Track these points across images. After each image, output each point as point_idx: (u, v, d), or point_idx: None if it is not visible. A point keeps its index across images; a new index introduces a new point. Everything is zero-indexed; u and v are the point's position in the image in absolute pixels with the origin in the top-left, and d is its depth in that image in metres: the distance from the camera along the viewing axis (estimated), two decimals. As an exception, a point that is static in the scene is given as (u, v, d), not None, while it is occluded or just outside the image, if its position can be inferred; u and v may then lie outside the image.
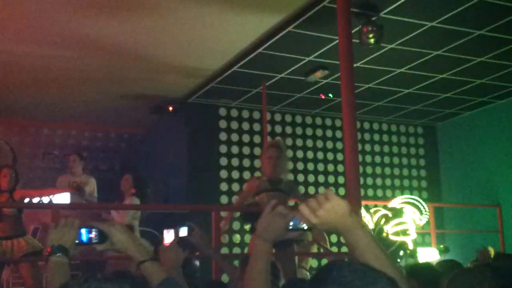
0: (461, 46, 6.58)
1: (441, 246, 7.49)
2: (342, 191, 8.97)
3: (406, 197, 7.40)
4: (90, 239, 2.16)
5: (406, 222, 6.62)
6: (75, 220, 2.18)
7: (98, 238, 2.14)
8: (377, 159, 9.55)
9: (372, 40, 5.50)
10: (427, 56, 6.87)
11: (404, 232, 6.47)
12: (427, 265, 3.72)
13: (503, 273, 3.57)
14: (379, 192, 9.44)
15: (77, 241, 2.16)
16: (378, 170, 9.51)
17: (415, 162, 9.80)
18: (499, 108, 8.72)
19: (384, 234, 6.50)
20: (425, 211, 6.97)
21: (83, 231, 2.16)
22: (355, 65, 6.12)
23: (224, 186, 8.48)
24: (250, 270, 1.87)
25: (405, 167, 9.71)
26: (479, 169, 8.97)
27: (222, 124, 8.63)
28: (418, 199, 7.30)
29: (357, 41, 5.70)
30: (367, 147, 9.48)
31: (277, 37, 6.23)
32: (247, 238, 7.91)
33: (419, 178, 9.77)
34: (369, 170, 9.42)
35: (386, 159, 9.61)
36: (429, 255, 7.08)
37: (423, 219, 7.05)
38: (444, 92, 8.23)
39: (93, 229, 2.14)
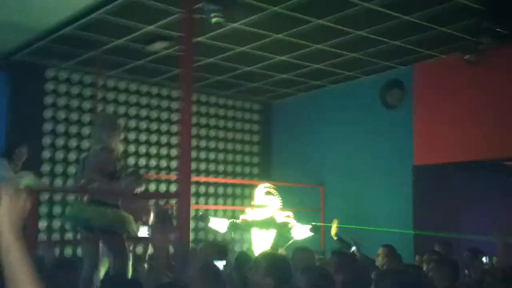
0: (301, 32, 6.65)
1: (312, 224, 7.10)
2: (174, 164, 8.79)
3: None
4: None
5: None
6: None
7: None
8: (212, 133, 9.47)
9: (215, 19, 5.30)
10: (268, 38, 6.84)
11: None
12: (282, 259, 3.62)
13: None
14: (212, 167, 9.40)
15: None
16: (213, 144, 9.45)
17: (249, 137, 9.88)
18: (331, 92, 9.04)
19: None
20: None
21: None
22: (197, 39, 5.93)
23: (46, 154, 7.87)
24: (8, 270, 1.60)
25: (239, 142, 9.75)
26: (308, 149, 9.28)
27: (49, 86, 7.95)
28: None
29: (201, 16, 5.51)
30: (203, 121, 9.35)
31: (118, 2, 5.79)
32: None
33: (252, 154, 9.88)
34: (203, 144, 9.32)
35: (221, 133, 9.57)
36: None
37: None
38: (282, 73, 8.32)
39: None
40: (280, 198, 6.72)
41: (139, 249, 6.60)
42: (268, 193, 6.65)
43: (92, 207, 4.84)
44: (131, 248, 5.42)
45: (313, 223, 6.77)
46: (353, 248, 5.89)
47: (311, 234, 6.48)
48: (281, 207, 6.66)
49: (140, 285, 2.97)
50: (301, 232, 6.45)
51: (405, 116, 8.01)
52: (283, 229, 6.33)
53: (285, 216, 6.58)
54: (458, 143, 7.39)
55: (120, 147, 5.36)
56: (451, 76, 7.56)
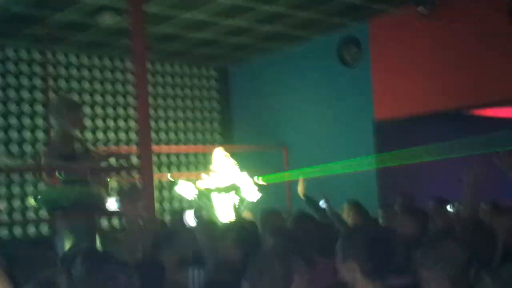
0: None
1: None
2: (133, 135, 8.64)
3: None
4: None
5: None
6: None
7: None
8: (170, 102, 9.32)
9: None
10: (220, 2, 6.68)
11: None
12: (250, 229, 3.57)
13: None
14: (172, 136, 9.28)
15: None
16: (171, 113, 9.31)
17: (208, 104, 9.76)
18: (287, 54, 8.94)
19: None
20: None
21: None
22: (148, 9, 5.75)
23: (0, 134, 7.65)
24: None
25: (198, 110, 9.63)
26: (269, 112, 9.22)
27: (-3, 65, 7.69)
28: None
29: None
30: (160, 90, 9.18)
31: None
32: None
33: (212, 120, 9.78)
34: (161, 113, 9.18)
35: (179, 102, 9.43)
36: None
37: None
38: (236, 37, 8.18)
39: None
40: (237, 162, 6.64)
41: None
42: (224, 157, 6.58)
43: (63, 187, 4.83)
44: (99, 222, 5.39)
45: (257, 183, 6.67)
46: (324, 205, 5.85)
47: (260, 194, 6.41)
48: (238, 170, 6.59)
49: (118, 259, 2.87)
50: (254, 192, 6.41)
51: (364, 72, 7.99)
52: (237, 192, 6.27)
53: (241, 178, 6.51)
54: (417, 96, 7.44)
55: (78, 127, 5.22)
56: (406, 30, 7.55)
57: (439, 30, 7.19)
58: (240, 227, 3.56)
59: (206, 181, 6.47)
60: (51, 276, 2.19)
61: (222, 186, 6.28)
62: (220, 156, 6.54)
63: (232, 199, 6.22)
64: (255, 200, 6.39)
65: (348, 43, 8.15)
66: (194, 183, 6.69)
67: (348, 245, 2.48)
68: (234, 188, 6.30)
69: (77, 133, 5.18)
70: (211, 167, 6.57)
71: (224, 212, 6.10)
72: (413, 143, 7.67)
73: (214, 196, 6.29)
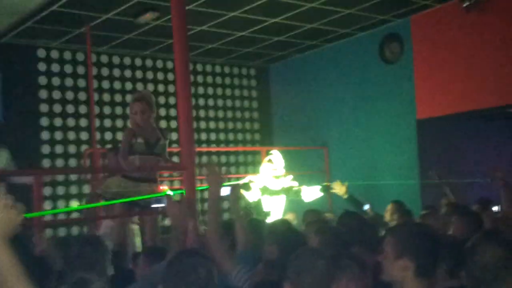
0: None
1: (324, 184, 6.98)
2: (175, 136, 8.70)
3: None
4: None
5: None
6: None
7: None
8: (210, 102, 9.35)
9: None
10: (260, 0, 6.67)
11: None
12: (288, 227, 3.55)
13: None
14: (213, 136, 9.31)
15: None
16: (212, 113, 9.34)
17: (248, 104, 9.75)
18: (327, 51, 8.87)
19: None
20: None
21: None
22: (187, 7, 5.77)
23: (46, 135, 7.81)
24: None
25: (238, 110, 9.64)
26: (309, 111, 9.16)
27: (42, 66, 7.83)
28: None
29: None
30: (200, 90, 9.22)
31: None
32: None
33: (252, 120, 9.77)
34: (202, 113, 9.22)
35: (220, 102, 9.45)
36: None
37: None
38: (276, 36, 8.16)
39: None
40: (282, 163, 6.60)
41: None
42: (270, 160, 6.56)
43: (138, 184, 4.93)
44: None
45: (322, 184, 6.65)
46: (366, 207, 5.81)
47: (321, 194, 6.37)
48: (283, 172, 6.56)
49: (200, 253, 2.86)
50: (309, 194, 6.36)
51: (406, 70, 7.86)
52: (290, 193, 6.24)
53: (289, 180, 6.49)
54: (460, 93, 7.27)
55: (140, 120, 5.07)
56: (449, 26, 7.39)
57: (483, 26, 7.01)
58: (282, 227, 3.53)
59: (256, 182, 6.46)
60: (88, 279, 2.21)
61: (278, 188, 6.27)
62: (271, 158, 6.55)
63: (283, 200, 6.22)
64: (310, 201, 6.37)
65: (390, 40, 8.03)
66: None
67: (402, 242, 2.38)
68: (292, 190, 6.30)
69: (148, 126, 5.08)
70: (262, 168, 6.58)
71: (274, 212, 6.09)
72: (457, 141, 7.52)
73: (264, 197, 6.29)
